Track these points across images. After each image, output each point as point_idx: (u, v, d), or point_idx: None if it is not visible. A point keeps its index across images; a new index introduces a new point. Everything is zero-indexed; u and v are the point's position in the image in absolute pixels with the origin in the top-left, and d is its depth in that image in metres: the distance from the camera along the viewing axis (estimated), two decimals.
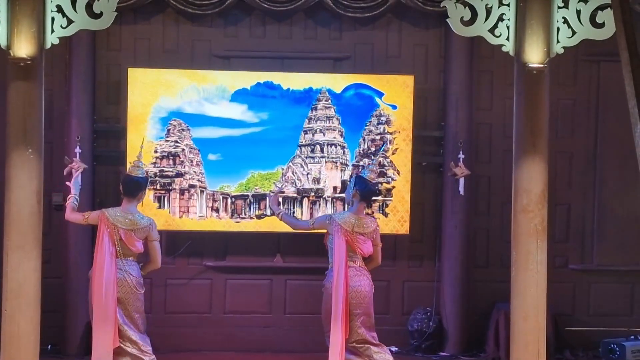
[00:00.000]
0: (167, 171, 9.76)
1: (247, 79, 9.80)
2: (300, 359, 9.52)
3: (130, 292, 8.04)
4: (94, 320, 8.00)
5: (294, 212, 9.86)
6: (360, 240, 8.20)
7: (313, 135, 9.89)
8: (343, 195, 9.74)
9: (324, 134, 9.89)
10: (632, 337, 9.95)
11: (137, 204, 8.19)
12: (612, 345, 9.83)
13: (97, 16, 7.37)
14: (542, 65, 7.04)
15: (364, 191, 8.30)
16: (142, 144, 8.63)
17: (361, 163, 9.86)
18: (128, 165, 9.22)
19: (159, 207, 9.70)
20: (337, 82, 9.88)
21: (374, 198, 9.02)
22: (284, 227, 9.71)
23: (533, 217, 7.02)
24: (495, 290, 9.81)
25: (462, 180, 9.51)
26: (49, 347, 9.44)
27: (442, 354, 10.01)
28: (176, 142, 9.77)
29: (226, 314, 10.12)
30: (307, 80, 9.86)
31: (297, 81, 9.84)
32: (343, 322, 8.11)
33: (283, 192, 9.05)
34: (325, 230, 8.33)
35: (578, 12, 7.56)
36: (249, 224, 9.86)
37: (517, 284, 7.10)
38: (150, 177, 9.62)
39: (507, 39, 7.58)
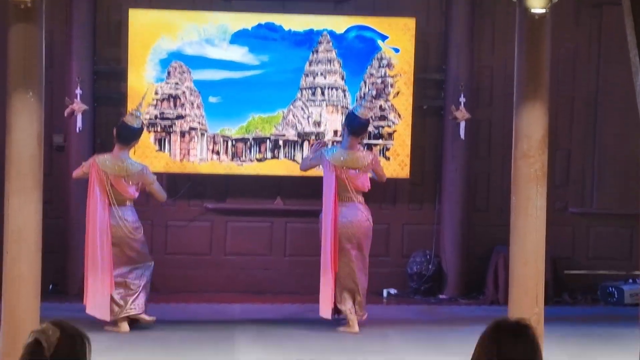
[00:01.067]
0: (167, 113, 9.75)
1: (248, 20, 9.74)
2: (300, 300, 9.57)
3: (125, 237, 8.14)
4: (88, 268, 8.08)
5: (294, 156, 9.87)
6: (351, 175, 8.22)
7: (314, 78, 9.86)
8: None
9: (325, 77, 9.86)
10: (631, 280, 10.03)
11: (128, 151, 8.27)
12: (611, 289, 9.92)
13: None
14: (544, 11, 6.96)
15: (352, 126, 8.35)
16: (145, 95, 8.66)
17: None
18: (128, 109, 9.24)
19: (159, 150, 9.71)
20: (339, 24, 9.82)
21: (375, 142, 8.99)
22: (285, 171, 9.78)
23: (533, 163, 7.00)
24: (495, 233, 9.84)
25: (462, 124, 9.51)
26: (50, 287, 9.52)
27: (441, 296, 10.08)
28: (177, 84, 9.74)
29: (226, 256, 10.17)
30: (308, 22, 9.81)
31: (298, 23, 9.79)
32: (332, 256, 8.22)
33: (326, 144, 9.01)
34: None
35: None
36: (249, 167, 9.87)
37: (516, 229, 7.10)
38: (151, 119, 9.63)
39: None
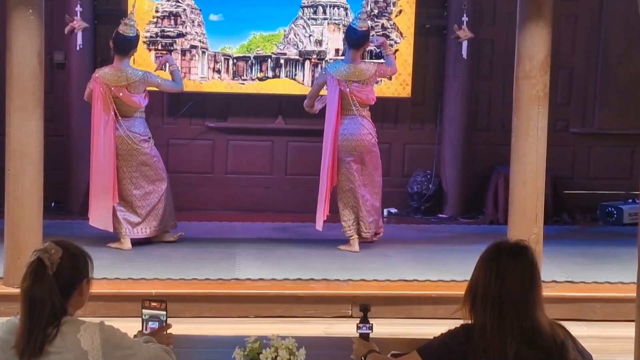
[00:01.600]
0: (168, 31, 9.67)
1: None
2: (301, 219, 9.62)
3: (132, 149, 8.14)
4: (92, 180, 8.13)
5: (295, 74, 9.83)
6: (355, 89, 8.21)
7: None
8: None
9: None
10: (630, 200, 10.07)
11: (128, 61, 8.29)
12: (610, 208, 9.97)
13: None
14: None
15: (351, 38, 8.33)
16: (134, 3, 8.61)
17: None
18: (123, 19, 9.21)
19: (160, 68, 9.63)
20: None
21: (377, 62, 8.92)
22: (286, 90, 9.77)
23: (535, 84, 6.98)
24: (496, 153, 9.85)
25: (465, 44, 9.43)
26: (53, 204, 9.56)
27: (440, 215, 10.13)
28: (177, 1, 9.66)
29: (228, 174, 10.20)
30: None
31: None
32: (329, 169, 8.27)
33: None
34: None
35: None
36: (250, 86, 9.83)
37: (517, 150, 7.12)
38: (152, 37, 9.57)
39: None
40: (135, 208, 8.20)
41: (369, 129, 8.31)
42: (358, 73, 8.25)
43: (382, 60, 8.69)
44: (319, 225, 8.35)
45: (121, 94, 8.08)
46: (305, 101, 8.56)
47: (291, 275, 7.39)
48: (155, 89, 8.51)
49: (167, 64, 8.63)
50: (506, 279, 3.31)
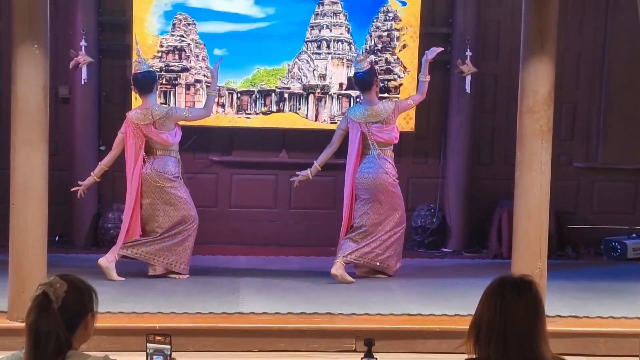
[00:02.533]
0: (172, 66, 9.73)
1: None
2: (304, 253, 9.63)
3: (155, 187, 8.21)
4: (124, 212, 8.33)
5: (299, 109, 9.87)
6: (375, 130, 8.29)
7: (319, 31, 9.83)
8: (349, 92, 9.78)
9: (331, 30, 9.83)
10: (634, 235, 10.06)
11: (155, 97, 8.36)
12: (614, 243, 9.95)
13: None
14: None
15: (358, 82, 8.50)
16: (136, 39, 8.67)
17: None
18: (133, 61, 9.27)
19: (164, 102, 9.69)
20: None
21: (381, 96, 8.95)
22: (290, 124, 9.80)
23: (539, 118, 6.99)
24: (499, 187, 9.87)
25: (468, 78, 9.49)
26: (57, 238, 9.56)
27: (444, 249, 10.13)
28: (182, 36, 9.72)
29: (232, 208, 10.21)
30: None
31: None
32: (347, 208, 8.43)
33: None
34: None
35: None
36: (254, 120, 9.87)
37: (521, 184, 7.11)
38: (156, 71, 9.61)
39: None
40: (155, 230, 8.30)
41: (386, 169, 8.36)
42: (375, 114, 8.32)
43: (398, 96, 8.71)
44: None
45: (149, 132, 8.16)
46: (326, 150, 8.57)
47: (295, 309, 7.36)
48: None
49: (214, 74, 8.60)
50: (510, 314, 3.31)
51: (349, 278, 8.30)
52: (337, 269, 8.30)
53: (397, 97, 8.71)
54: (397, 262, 8.58)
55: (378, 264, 8.47)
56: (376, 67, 9.60)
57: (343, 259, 8.34)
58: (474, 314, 3.41)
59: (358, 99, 9.77)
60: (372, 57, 9.23)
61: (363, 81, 8.39)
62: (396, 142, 8.46)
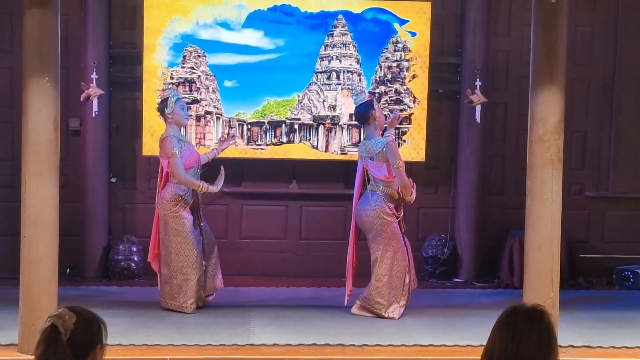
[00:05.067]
0: (183, 97, 9.72)
1: (264, 2, 9.74)
2: (315, 284, 9.60)
3: (161, 215, 8.24)
4: None
5: (309, 139, 9.88)
6: (369, 164, 8.26)
7: (329, 62, 9.85)
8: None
9: (340, 61, 9.85)
10: None
11: (176, 127, 8.27)
12: (626, 272, 9.90)
13: None
14: None
15: (355, 116, 8.53)
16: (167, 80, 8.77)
17: (377, 90, 9.84)
18: (144, 93, 9.39)
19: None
20: (354, 8, 9.80)
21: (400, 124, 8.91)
22: (300, 154, 9.81)
23: (549, 147, 6.99)
24: (510, 217, 9.85)
25: (478, 108, 9.51)
26: (68, 270, 9.56)
27: (455, 280, 10.09)
28: (192, 68, 9.75)
29: (242, 239, 10.20)
30: (323, 5, 9.79)
31: (313, 5, 9.77)
32: (351, 241, 8.40)
33: None
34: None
35: None
36: (265, 151, 9.87)
37: (531, 213, 7.10)
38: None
39: None
40: (162, 264, 8.40)
41: (373, 206, 8.14)
42: (368, 149, 8.27)
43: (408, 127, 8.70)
44: (345, 297, 8.43)
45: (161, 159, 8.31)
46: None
47: (306, 340, 7.33)
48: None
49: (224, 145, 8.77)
50: (522, 344, 3.28)
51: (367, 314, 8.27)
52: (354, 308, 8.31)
53: (391, 137, 8.38)
54: (392, 305, 8.24)
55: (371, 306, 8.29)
56: (386, 97, 9.64)
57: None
58: (486, 343, 3.38)
59: None
60: (366, 93, 9.01)
61: (358, 115, 8.40)
62: (391, 179, 8.17)
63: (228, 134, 9.24)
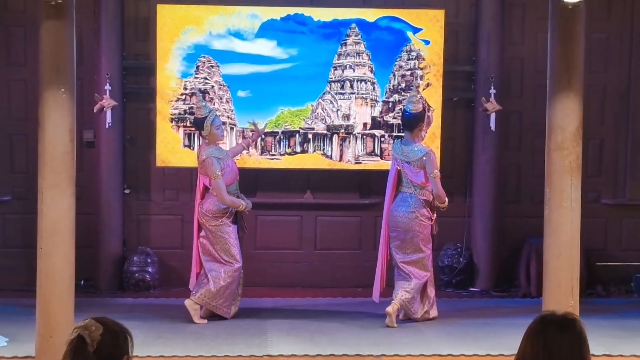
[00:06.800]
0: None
1: (277, 12, 9.72)
2: (331, 294, 9.56)
3: (203, 225, 8.35)
4: None
5: (323, 149, 9.85)
6: (406, 168, 8.32)
7: (343, 71, 9.82)
8: (373, 131, 9.77)
9: (354, 70, 9.82)
10: None
11: (211, 143, 8.40)
12: None
13: None
14: (577, 0, 6.90)
15: (403, 120, 8.58)
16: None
17: (391, 99, 9.81)
18: (157, 104, 9.41)
19: (188, 145, 9.67)
20: (368, 16, 9.78)
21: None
22: (314, 164, 9.78)
23: (567, 155, 6.95)
24: (526, 225, 9.81)
25: (493, 116, 9.47)
26: (82, 282, 9.52)
27: (472, 289, 10.03)
28: (205, 78, 9.73)
29: (257, 250, 10.15)
30: (336, 14, 9.76)
31: (326, 14, 9.74)
32: (383, 244, 8.47)
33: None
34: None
35: None
36: (279, 161, 9.84)
37: (550, 221, 7.06)
38: (180, 114, 9.64)
39: None
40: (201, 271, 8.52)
41: (413, 207, 8.30)
42: (407, 154, 8.34)
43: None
44: (374, 295, 8.49)
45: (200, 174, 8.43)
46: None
47: (323, 351, 7.30)
48: None
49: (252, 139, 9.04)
50: (554, 353, 3.24)
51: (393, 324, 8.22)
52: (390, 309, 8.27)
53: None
54: (425, 307, 8.42)
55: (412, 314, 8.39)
56: (400, 106, 9.58)
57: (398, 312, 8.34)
58: (517, 352, 3.34)
59: (382, 139, 9.76)
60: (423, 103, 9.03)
61: (407, 121, 8.46)
62: (428, 184, 8.31)
63: (255, 124, 9.15)
